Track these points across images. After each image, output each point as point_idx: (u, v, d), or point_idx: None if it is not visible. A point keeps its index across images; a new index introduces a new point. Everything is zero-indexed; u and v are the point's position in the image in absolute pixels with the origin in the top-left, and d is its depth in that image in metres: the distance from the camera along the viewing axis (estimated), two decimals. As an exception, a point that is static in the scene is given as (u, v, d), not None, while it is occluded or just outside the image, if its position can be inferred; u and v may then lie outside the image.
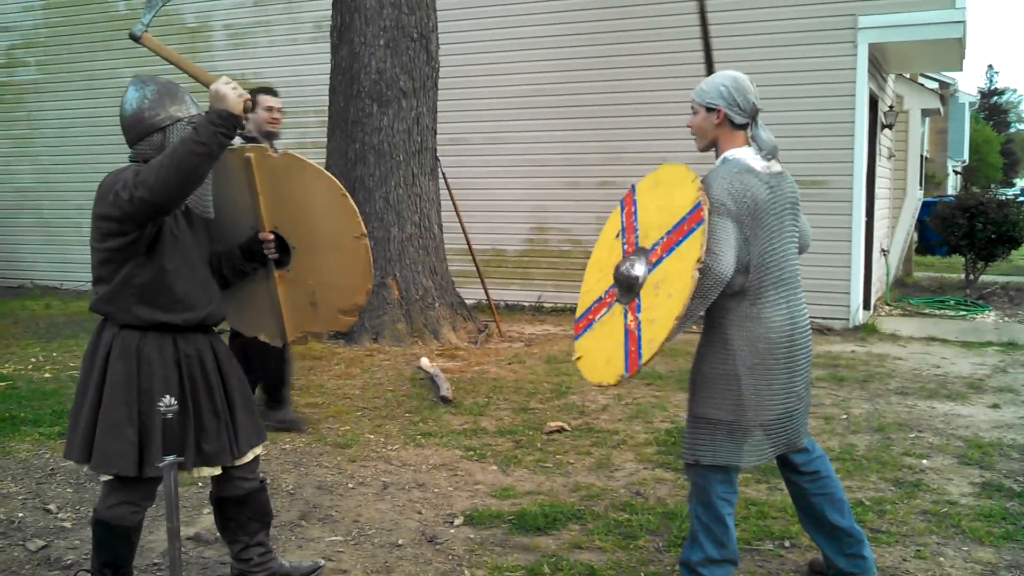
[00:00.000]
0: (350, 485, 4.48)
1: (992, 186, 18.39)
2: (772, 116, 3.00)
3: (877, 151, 10.51)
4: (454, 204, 8.77)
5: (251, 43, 11.84)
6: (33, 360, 7.71)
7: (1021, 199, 12.94)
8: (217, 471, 3.05)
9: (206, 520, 3.97)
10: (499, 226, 10.53)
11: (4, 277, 13.65)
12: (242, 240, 3.28)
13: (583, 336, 3.21)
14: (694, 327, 3.08)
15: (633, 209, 3.11)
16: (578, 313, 3.29)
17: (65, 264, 13.11)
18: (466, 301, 8.87)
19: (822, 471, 3.17)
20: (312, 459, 4.89)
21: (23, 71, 13.60)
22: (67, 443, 2.97)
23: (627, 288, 2.97)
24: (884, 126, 11.01)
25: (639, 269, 2.94)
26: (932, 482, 4.44)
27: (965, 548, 3.66)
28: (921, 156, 14.33)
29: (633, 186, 3.17)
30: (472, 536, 3.83)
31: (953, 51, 9.84)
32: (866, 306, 9.88)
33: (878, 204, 10.65)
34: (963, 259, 12.39)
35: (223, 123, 2.73)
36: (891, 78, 11.75)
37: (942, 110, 14.83)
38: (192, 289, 2.95)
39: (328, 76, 8.52)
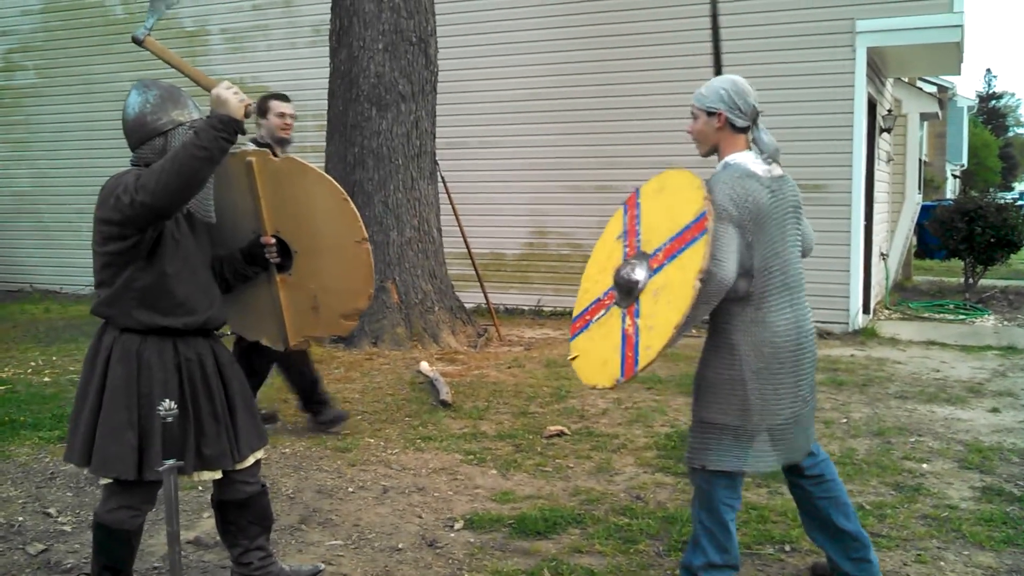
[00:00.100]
0: (350, 489, 4.48)
1: (991, 190, 18.43)
2: (771, 120, 3.00)
3: (876, 155, 10.53)
4: (453, 208, 8.77)
5: (250, 47, 11.85)
6: (32, 364, 7.71)
7: (1020, 203, 12.95)
8: (218, 475, 3.04)
9: (206, 524, 3.97)
10: (498, 230, 10.54)
11: (3, 281, 13.64)
12: (244, 244, 3.28)
13: (580, 336, 3.20)
14: (695, 331, 3.07)
15: (636, 212, 3.10)
16: (575, 312, 3.28)
17: (64, 268, 13.10)
18: (465, 305, 8.87)
19: (827, 475, 3.17)
20: (312, 463, 4.89)
21: (21, 75, 13.60)
22: (68, 446, 2.97)
23: (626, 292, 2.96)
24: (883, 130, 11.02)
25: (639, 274, 2.93)
26: (932, 486, 4.44)
27: (966, 552, 3.65)
28: (920, 160, 14.36)
29: (637, 189, 3.16)
30: (472, 540, 3.83)
31: (951, 55, 9.86)
32: (865, 310, 9.89)
33: (877, 208, 10.66)
34: (962, 263, 12.40)
35: (224, 128, 2.74)
36: (889, 82, 11.77)
37: (940, 114, 14.86)
38: (193, 293, 2.95)
39: (327, 80, 8.52)
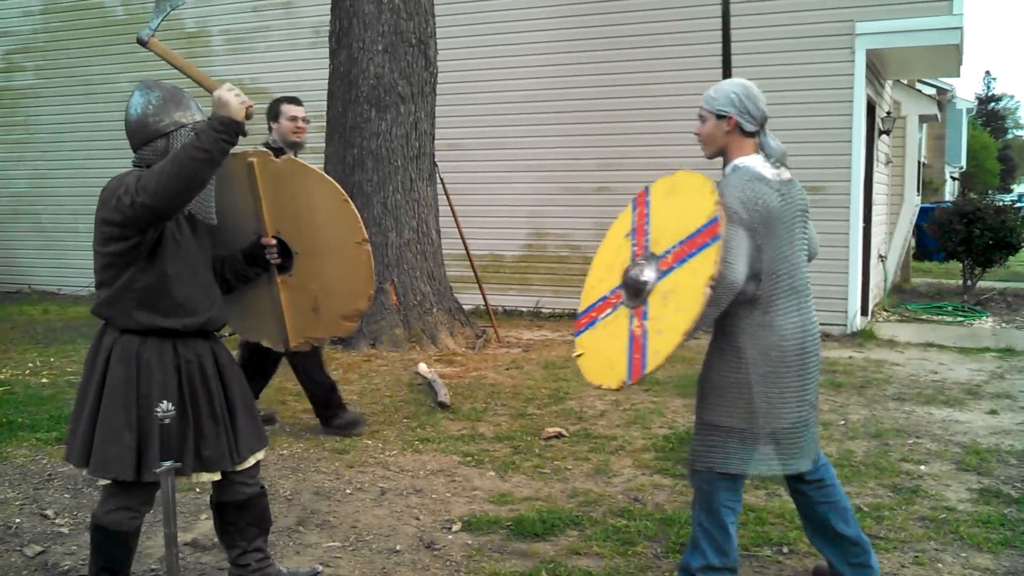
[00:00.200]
0: (348, 491, 4.48)
1: (990, 192, 18.43)
2: (770, 122, 2.99)
3: (875, 157, 10.53)
4: (452, 209, 8.78)
5: (250, 48, 11.86)
6: (31, 365, 7.70)
7: (1018, 205, 12.97)
8: (216, 476, 3.05)
9: (203, 526, 3.97)
10: (497, 231, 10.54)
11: (1, 282, 13.63)
12: (245, 245, 3.29)
13: (585, 333, 3.18)
14: (698, 334, 3.06)
15: (646, 211, 3.06)
16: (581, 307, 3.26)
17: (62, 269, 13.10)
18: (464, 307, 8.87)
19: (827, 479, 3.16)
20: (310, 465, 4.89)
21: (21, 76, 13.60)
22: (67, 447, 2.98)
23: (634, 292, 2.94)
24: (882, 132, 11.03)
25: (648, 275, 2.90)
26: (930, 488, 4.44)
27: (963, 554, 3.66)
28: (919, 162, 14.37)
29: (647, 187, 3.12)
30: (470, 542, 3.83)
31: (950, 57, 9.87)
32: (864, 312, 9.89)
33: (876, 210, 10.67)
34: (961, 265, 12.41)
35: (225, 129, 2.74)
36: (889, 84, 11.78)
37: (940, 116, 14.86)
38: (193, 294, 2.95)
39: (326, 81, 8.53)
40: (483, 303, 9.11)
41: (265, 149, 5.09)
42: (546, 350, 8.16)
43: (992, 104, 74.74)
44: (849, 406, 6.07)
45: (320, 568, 3.54)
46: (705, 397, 3.02)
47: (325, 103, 8.59)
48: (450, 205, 8.77)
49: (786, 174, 3.01)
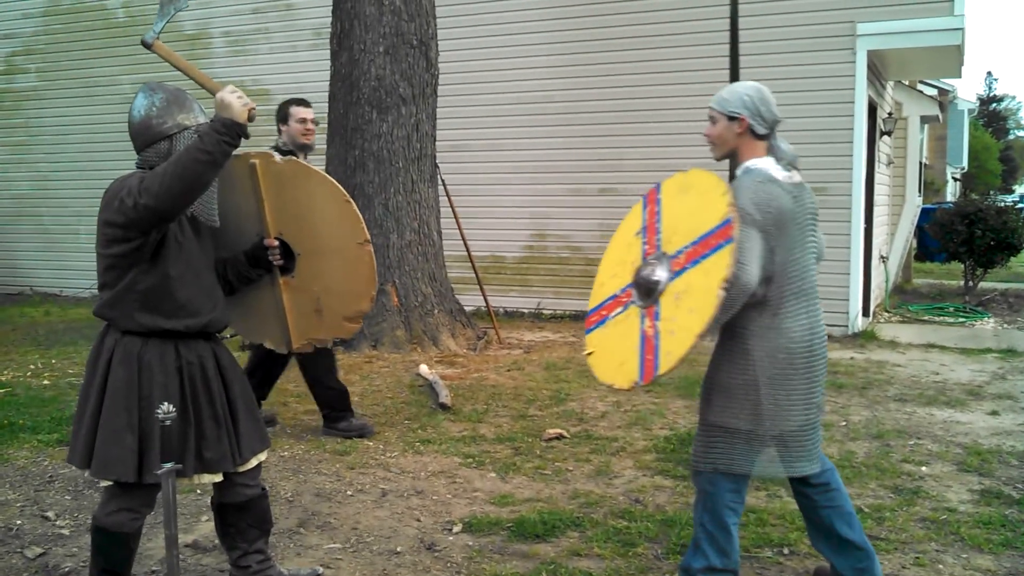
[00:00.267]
0: (349, 492, 4.48)
1: (991, 193, 18.42)
2: (773, 124, 3.00)
3: (876, 158, 10.53)
4: (453, 211, 8.78)
5: (251, 50, 11.87)
6: (32, 367, 7.71)
7: (1020, 206, 12.96)
8: (218, 478, 3.05)
9: (204, 527, 3.97)
10: (498, 233, 10.54)
11: (3, 284, 13.64)
12: (247, 246, 3.29)
13: (596, 330, 3.15)
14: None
15: (657, 209, 3.04)
16: (591, 305, 3.23)
17: (64, 271, 13.12)
18: (465, 308, 8.87)
19: (832, 483, 3.16)
20: (311, 466, 4.89)
21: (22, 78, 13.62)
22: (70, 448, 2.99)
23: (646, 292, 2.92)
24: (883, 133, 11.03)
25: (660, 275, 2.88)
26: (931, 489, 4.44)
27: (964, 555, 3.65)
28: (920, 163, 14.37)
29: (658, 184, 3.09)
30: (471, 543, 3.83)
31: (952, 58, 9.87)
32: (865, 313, 9.89)
33: (877, 211, 10.66)
34: (962, 266, 12.41)
35: (227, 131, 2.75)
36: (890, 85, 11.78)
37: (941, 117, 14.87)
38: (195, 296, 2.96)
39: (327, 83, 8.53)
40: (484, 304, 9.11)
41: (273, 151, 5.11)
42: (547, 351, 8.16)
43: (994, 105, 74.68)
44: (850, 407, 6.07)
45: (321, 570, 3.54)
46: (711, 398, 3.01)
47: (326, 105, 8.60)
48: (451, 206, 8.78)
49: (797, 177, 3.01)
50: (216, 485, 3.13)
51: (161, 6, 3.24)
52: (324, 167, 8.43)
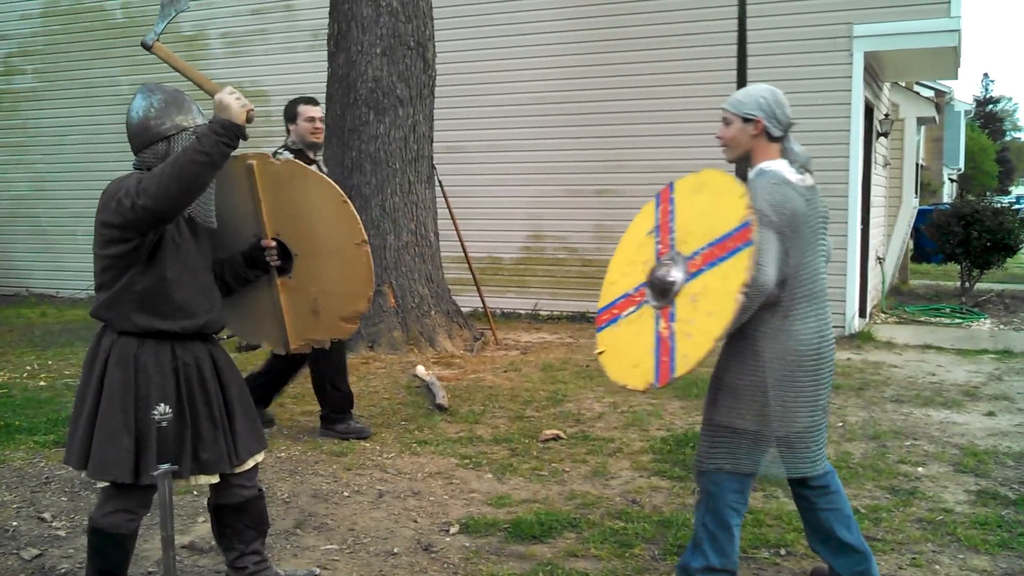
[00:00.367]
0: (345, 493, 4.48)
1: (988, 194, 18.45)
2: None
3: (873, 159, 10.55)
4: (450, 212, 8.78)
5: (248, 51, 11.87)
6: (28, 368, 7.70)
7: (1016, 207, 12.98)
8: (215, 479, 3.05)
9: (201, 529, 3.97)
10: (495, 234, 10.54)
11: (0, 285, 13.63)
12: (244, 247, 3.29)
13: (607, 329, 3.14)
14: None
15: (670, 208, 3.02)
16: (602, 303, 3.22)
17: (61, 272, 13.10)
18: (462, 309, 8.87)
19: (831, 486, 3.16)
20: (308, 467, 4.89)
21: (20, 79, 13.60)
22: (67, 449, 2.98)
23: (661, 292, 2.91)
24: (879, 134, 11.05)
25: (676, 275, 2.87)
26: (928, 490, 4.44)
27: (961, 556, 3.66)
28: (917, 164, 14.39)
29: (671, 184, 3.08)
30: (468, 544, 3.83)
31: (948, 60, 9.88)
32: (862, 314, 9.90)
33: (874, 212, 10.68)
34: (959, 267, 12.42)
35: (225, 133, 2.75)
36: (887, 86, 11.79)
37: (937, 118, 14.88)
38: (193, 297, 2.95)
39: (325, 84, 8.53)
40: (481, 305, 9.12)
41: (283, 150, 5.12)
42: (544, 352, 8.16)
43: (990, 106, 74.83)
44: (847, 408, 6.07)
45: (318, 571, 3.54)
46: (718, 398, 3.01)
47: (323, 106, 8.59)
48: (448, 207, 8.78)
49: (809, 180, 3.02)
50: (213, 486, 3.13)
51: (162, 8, 3.25)
52: (321, 168, 8.42)
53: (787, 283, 2.89)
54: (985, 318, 10.57)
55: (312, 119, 5.15)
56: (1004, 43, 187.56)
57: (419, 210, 8.27)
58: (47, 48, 13.33)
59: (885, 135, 11.29)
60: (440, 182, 8.68)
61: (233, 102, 2.78)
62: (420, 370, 6.92)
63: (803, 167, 3.01)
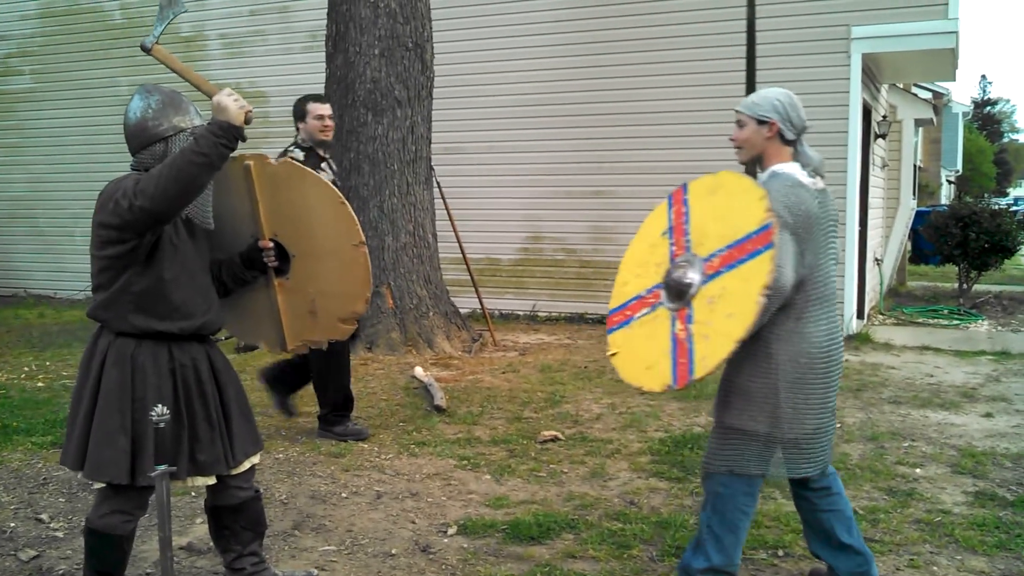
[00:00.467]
0: (343, 495, 4.48)
1: (985, 195, 18.47)
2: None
3: (870, 161, 10.56)
4: (448, 213, 8.78)
5: (246, 52, 11.86)
6: (26, 369, 7.70)
7: (1014, 208, 12.99)
8: (211, 480, 3.04)
9: (199, 530, 3.96)
10: (493, 235, 10.54)
11: (-2, 286, 13.63)
12: (242, 248, 3.29)
13: (619, 331, 3.12)
14: None
15: (684, 209, 3.01)
16: (613, 305, 3.20)
17: (59, 273, 13.08)
18: (460, 310, 8.87)
19: (833, 488, 3.17)
20: (306, 468, 4.88)
21: (18, 80, 13.59)
22: (63, 450, 2.98)
23: (677, 294, 2.90)
24: (877, 136, 11.06)
25: (693, 277, 2.86)
26: (925, 491, 4.45)
27: (958, 557, 3.66)
28: (914, 166, 14.40)
29: (685, 184, 3.07)
30: (466, 545, 3.83)
31: (946, 61, 9.89)
32: (860, 315, 9.90)
33: (871, 214, 10.68)
34: (956, 268, 12.43)
35: (223, 134, 2.75)
36: (884, 88, 11.81)
37: (935, 120, 14.90)
38: (190, 298, 2.95)
39: (323, 85, 8.53)
40: (479, 307, 9.12)
41: (294, 148, 5.12)
42: (542, 354, 8.16)
43: (988, 108, 74.92)
44: (845, 409, 6.08)
45: (315, 572, 3.53)
46: (729, 401, 3.00)
47: (324, 106, 8.59)
48: (446, 209, 8.78)
49: (821, 183, 3.02)
50: (210, 488, 3.12)
51: (160, 10, 3.25)
52: (319, 169, 8.42)
53: (801, 285, 2.89)
54: (983, 319, 10.58)
55: (322, 117, 5.15)
56: (1002, 45, 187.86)
57: (417, 211, 8.27)
58: (45, 49, 13.32)
59: (883, 137, 11.30)
60: (438, 183, 8.68)
61: (231, 104, 2.78)
62: (418, 371, 6.91)
63: (815, 170, 3.01)
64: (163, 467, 2.58)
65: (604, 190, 10.01)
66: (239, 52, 11.92)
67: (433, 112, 8.58)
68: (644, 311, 3.03)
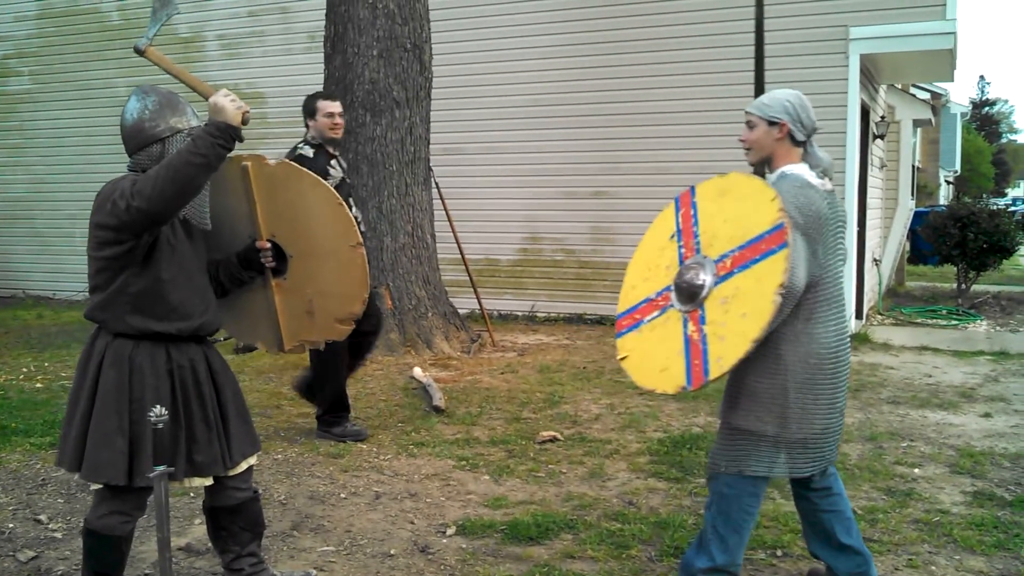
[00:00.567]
0: (342, 495, 4.48)
1: (984, 196, 18.48)
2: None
3: (869, 161, 10.56)
4: (447, 214, 8.78)
5: (245, 53, 11.86)
6: (25, 370, 7.69)
7: (1013, 209, 13.00)
8: (209, 481, 3.05)
9: (197, 530, 3.96)
10: (492, 236, 10.54)
11: (-4, 287, 13.62)
12: (240, 249, 3.29)
13: (628, 334, 3.11)
14: None
15: (692, 212, 3.01)
16: (621, 308, 3.19)
17: (57, 274, 13.08)
18: (459, 311, 8.87)
19: (834, 488, 3.17)
20: (304, 469, 4.88)
21: (16, 81, 13.58)
22: (59, 451, 2.97)
23: (689, 296, 2.89)
24: (876, 136, 11.06)
25: (705, 278, 2.86)
26: (924, 491, 4.45)
27: (957, 557, 3.66)
28: (913, 166, 14.41)
29: (692, 187, 3.07)
30: (464, 546, 3.83)
31: (944, 62, 9.90)
32: (858, 316, 9.91)
33: (870, 214, 10.69)
34: (955, 269, 12.44)
35: (221, 135, 2.75)
36: (883, 89, 11.81)
37: (934, 120, 14.90)
38: (188, 298, 2.95)
39: (321, 87, 8.53)
40: (478, 307, 9.12)
41: (306, 146, 5.11)
42: (541, 354, 8.16)
43: (986, 108, 75.00)
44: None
45: (314, 572, 3.53)
46: (737, 402, 2.99)
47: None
48: (445, 209, 8.78)
49: (829, 184, 3.02)
50: (207, 489, 3.12)
51: (153, 12, 3.25)
52: (318, 170, 8.41)
53: (811, 286, 2.88)
54: (981, 320, 10.58)
55: (332, 114, 5.14)
56: (1000, 45, 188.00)
57: (416, 212, 8.27)
58: (43, 50, 13.32)
59: (881, 137, 11.31)
60: (437, 184, 8.69)
61: (228, 104, 2.78)
62: (417, 372, 6.92)
63: (824, 172, 3.01)
64: (161, 468, 2.58)
65: (603, 191, 10.01)
66: (237, 53, 11.91)
67: (432, 113, 8.59)
68: (655, 314, 3.02)
